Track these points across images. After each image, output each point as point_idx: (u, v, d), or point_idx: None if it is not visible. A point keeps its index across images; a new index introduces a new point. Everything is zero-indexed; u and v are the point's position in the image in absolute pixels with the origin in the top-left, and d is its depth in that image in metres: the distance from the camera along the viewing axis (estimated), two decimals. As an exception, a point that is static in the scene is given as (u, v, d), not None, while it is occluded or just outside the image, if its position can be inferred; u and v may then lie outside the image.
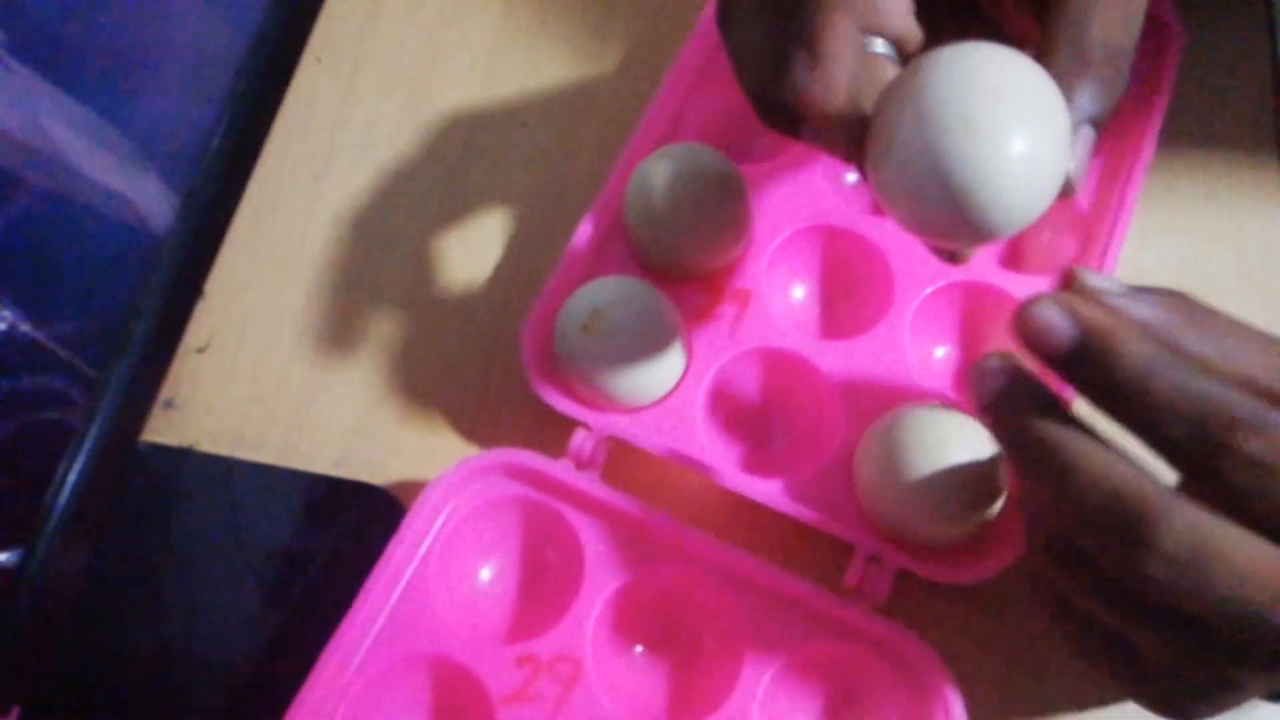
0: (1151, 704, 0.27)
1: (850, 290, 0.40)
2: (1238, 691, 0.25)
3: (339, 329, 0.41)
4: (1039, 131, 0.24)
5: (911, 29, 0.29)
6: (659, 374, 0.36)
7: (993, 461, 0.33)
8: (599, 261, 0.39)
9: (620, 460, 0.36)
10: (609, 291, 0.36)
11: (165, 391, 0.40)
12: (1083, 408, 0.25)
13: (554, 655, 0.33)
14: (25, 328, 0.34)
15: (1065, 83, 0.26)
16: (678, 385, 0.37)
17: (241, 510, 0.39)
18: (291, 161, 0.44)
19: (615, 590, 0.34)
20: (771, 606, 0.34)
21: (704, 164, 0.37)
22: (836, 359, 0.37)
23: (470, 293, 0.42)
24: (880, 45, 0.28)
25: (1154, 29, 0.41)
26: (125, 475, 0.39)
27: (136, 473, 0.39)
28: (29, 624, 0.37)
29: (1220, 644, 0.23)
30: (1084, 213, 0.39)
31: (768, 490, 0.35)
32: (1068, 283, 0.26)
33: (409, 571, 0.34)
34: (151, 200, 0.40)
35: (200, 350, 0.41)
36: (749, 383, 0.38)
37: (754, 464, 0.37)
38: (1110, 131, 0.35)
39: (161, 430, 0.40)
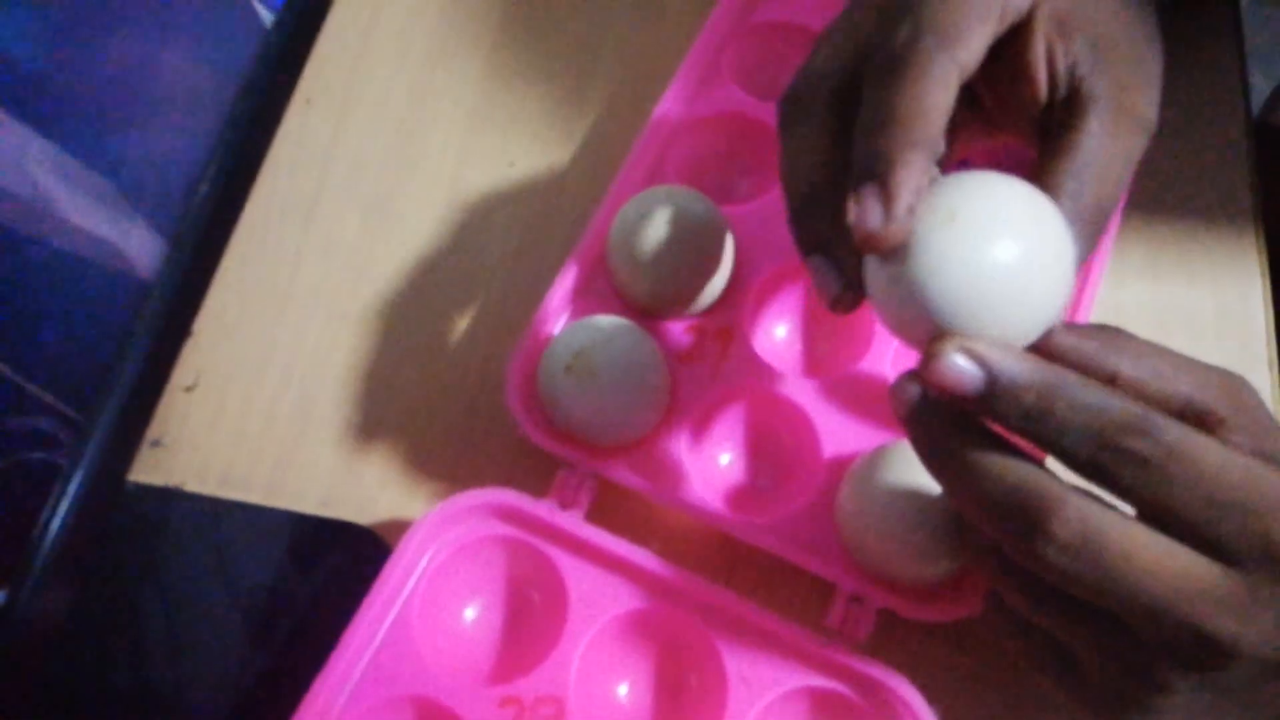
0: (1094, 711, 0.29)
1: (832, 329, 0.40)
2: (1169, 694, 0.26)
3: (326, 368, 0.42)
4: (1048, 256, 0.26)
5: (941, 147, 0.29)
6: (643, 413, 0.36)
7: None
8: (583, 301, 0.39)
9: (604, 499, 0.37)
10: (593, 331, 0.36)
11: (152, 431, 0.41)
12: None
13: (538, 696, 0.33)
14: (10, 373, 0.35)
15: None
16: (661, 424, 0.37)
17: (227, 550, 0.39)
18: (280, 201, 0.45)
19: (599, 630, 0.34)
20: (754, 645, 0.34)
21: (687, 205, 0.38)
22: (819, 397, 0.37)
23: (455, 332, 0.42)
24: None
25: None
26: (112, 515, 0.39)
27: (123, 512, 0.39)
28: (15, 664, 0.37)
29: (1140, 641, 0.25)
30: (1061, 252, 0.40)
31: (750, 528, 0.35)
32: None
33: (393, 612, 0.34)
34: (139, 246, 0.40)
35: (188, 389, 0.41)
36: (732, 421, 0.39)
37: (737, 502, 0.38)
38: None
39: (148, 470, 0.40)
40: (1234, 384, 0.27)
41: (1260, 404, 0.27)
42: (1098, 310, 0.39)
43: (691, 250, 0.37)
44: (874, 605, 0.34)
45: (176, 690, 0.37)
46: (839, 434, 0.37)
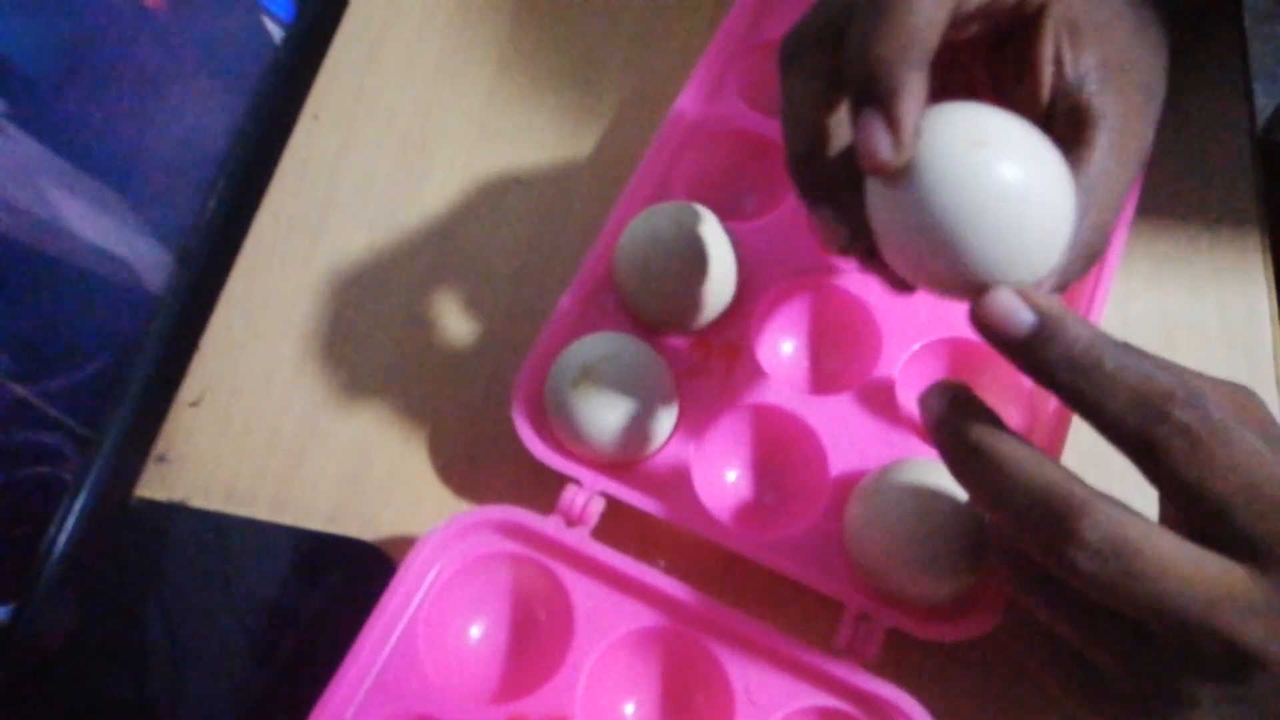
0: None
1: (839, 345, 0.40)
2: (1194, 707, 0.26)
3: (332, 383, 0.42)
4: (1057, 186, 0.26)
5: None
6: (649, 429, 0.36)
7: (982, 517, 0.33)
8: (590, 317, 0.39)
9: (611, 515, 0.36)
10: (600, 347, 0.36)
11: (158, 446, 0.41)
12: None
13: (543, 715, 0.33)
14: (18, 388, 0.35)
15: None
16: (668, 440, 0.37)
17: (232, 566, 0.39)
18: (288, 217, 0.45)
19: (605, 648, 0.34)
20: (762, 664, 0.34)
21: (694, 221, 0.38)
22: (825, 414, 0.37)
23: (462, 348, 0.42)
24: None
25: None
26: (117, 530, 0.39)
27: (128, 528, 0.39)
28: (21, 678, 0.37)
29: (1167, 651, 0.25)
30: (1068, 269, 0.40)
31: (757, 546, 0.35)
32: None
33: (398, 629, 0.34)
34: (147, 261, 0.40)
35: (193, 404, 0.41)
36: (739, 438, 0.39)
37: (744, 520, 0.37)
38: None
39: (153, 485, 0.40)
40: (1244, 396, 0.27)
41: (1269, 416, 0.27)
42: (1105, 324, 0.39)
43: (698, 266, 0.37)
44: (882, 624, 0.34)
45: (181, 705, 0.37)
46: (846, 451, 0.37)
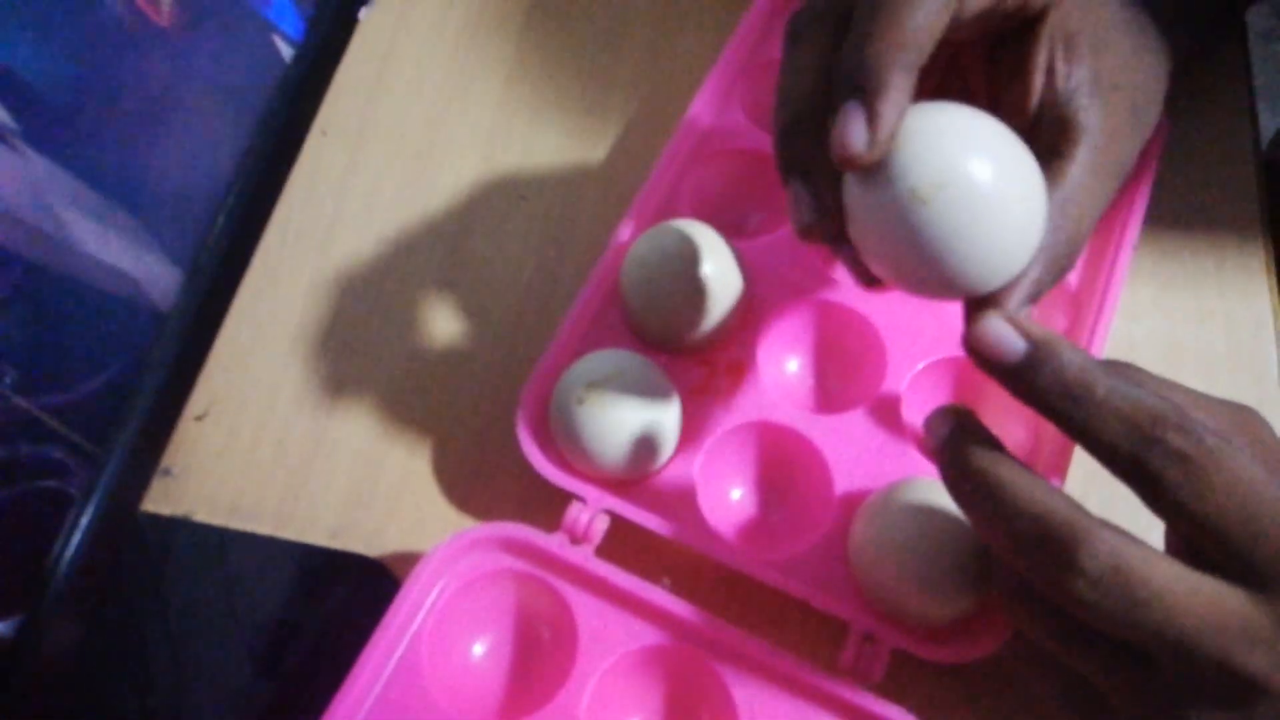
0: None
1: (844, 364, 0.40)
2: None
3: (337, 398, 0.42)
4: (1032, 189, 0.26)
5: None
6: (654, 447, 0.36)
7: (986, 538, 0.33)
8: (595, 334, 0.39)
9: (615, 533, 0.36)
10: (605, 364, 0.36)
11: (164, 460, 0.41)
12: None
13: (547, 733, 0.33)
14: (24, 402, 0.35)
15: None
16: (673, 458, 0.37)
17: (237, 580, 0.39)
18: (295, 231, 0.45)
19: (609, 667, 0.34)
20: (766, 684, 0.34)
21: (699, 239, 0.38)
22: (831, 432, 0.37)
23: (467, 364, 0.42)
24: None
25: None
26: (123, 544, 0.39)
27: (134, 542, 0.39)
28: (27, 692, 0.37)
29: (1169, 679, 0.25)
30: (1073, 290, 0.40)
31: (762, 565, 0.35)
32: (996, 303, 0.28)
33: (402, 646, 0.34)
34: (156, 276, 0.40)
35: (199, 418, 0.42)
36: (744, 456, 0.39)
37: (749, 538, 0.37)
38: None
39: (158, 499, 0.40)
40: (1247, 417, 0.27)
41: (1274, 436, 0.27)
42: (1110, 345, 0.39)
43: (703, 284, 0.37)
44: (887, 645, 0.34)
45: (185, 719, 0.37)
46: (851, 470, 0.37)
